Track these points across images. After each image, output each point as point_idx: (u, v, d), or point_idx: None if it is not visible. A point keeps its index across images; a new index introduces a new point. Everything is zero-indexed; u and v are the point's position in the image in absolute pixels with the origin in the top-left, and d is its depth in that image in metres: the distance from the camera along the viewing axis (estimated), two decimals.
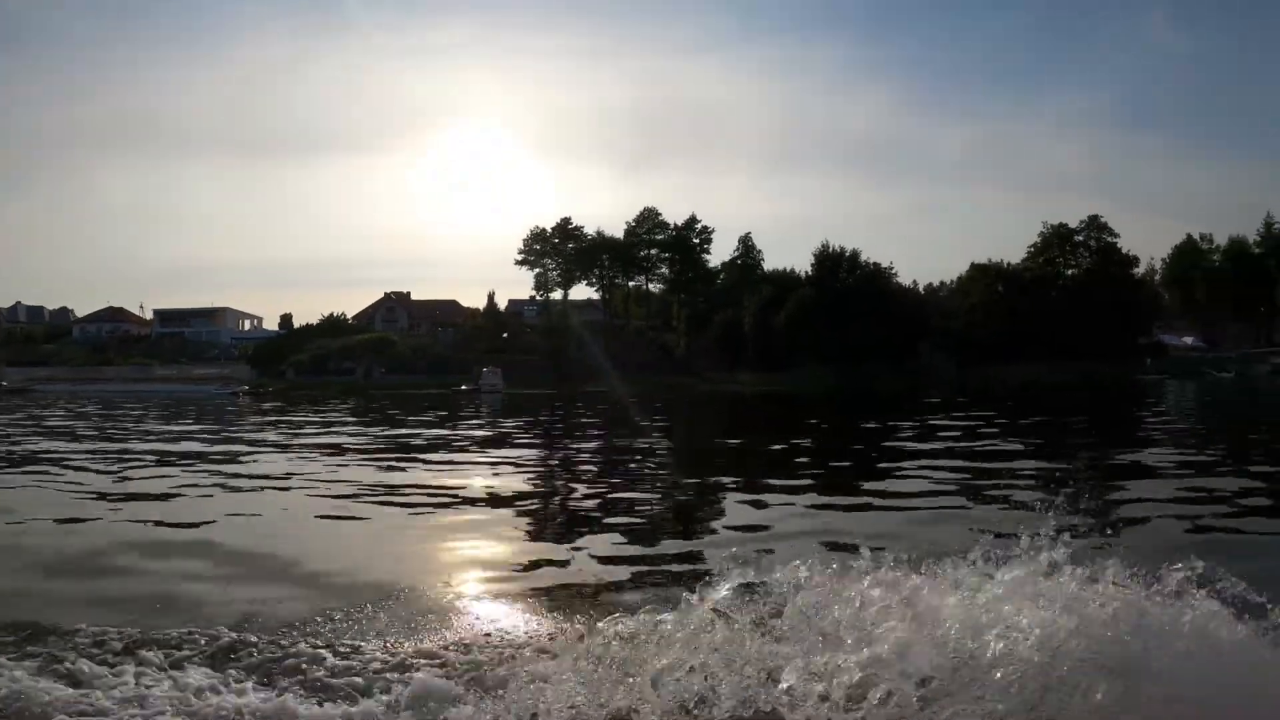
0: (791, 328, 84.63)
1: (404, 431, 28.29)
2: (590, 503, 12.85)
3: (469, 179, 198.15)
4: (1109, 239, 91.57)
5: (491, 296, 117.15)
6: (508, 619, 6.23)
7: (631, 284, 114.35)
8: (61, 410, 44.18)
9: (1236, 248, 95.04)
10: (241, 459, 19.46)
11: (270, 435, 27.11)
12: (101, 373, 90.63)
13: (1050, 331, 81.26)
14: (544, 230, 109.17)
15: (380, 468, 17.63)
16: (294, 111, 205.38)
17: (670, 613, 4.71)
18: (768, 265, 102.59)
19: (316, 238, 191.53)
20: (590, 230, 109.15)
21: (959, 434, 23.16)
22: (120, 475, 16.59)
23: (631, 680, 4.25)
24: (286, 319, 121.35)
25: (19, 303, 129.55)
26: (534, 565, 8.31)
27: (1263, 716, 3.41)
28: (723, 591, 4.64)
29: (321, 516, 11.61)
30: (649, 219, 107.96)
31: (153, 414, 39.74)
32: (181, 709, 4.66)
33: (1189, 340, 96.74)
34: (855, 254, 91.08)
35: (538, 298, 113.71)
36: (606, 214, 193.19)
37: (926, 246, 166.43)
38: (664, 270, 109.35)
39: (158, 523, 10.96)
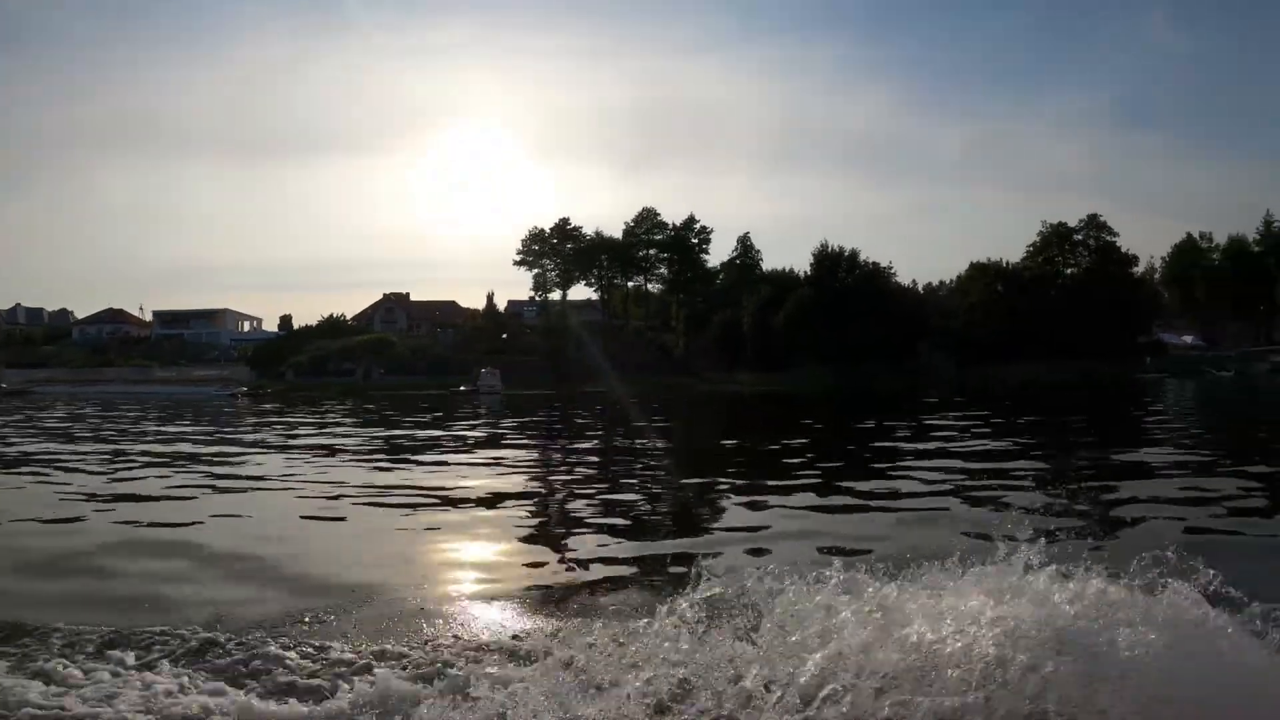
0: (790, 328, 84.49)
1: (397, 433, 28.29)
2: (576, 504, 12.82)
3: (469, 179, 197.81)
4: (1108, 238, 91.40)
5: (491, 297, 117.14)
6: (479, 621, 6.22)
7: (630, 284, 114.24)
8: (59, 412, 44.24)
9: (1236, 246, 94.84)
10: (233, 460, 19.46)
11: (264, 436, 27.10)
12: (101, 374, 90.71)
13: (1050, 330, 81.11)
14: (542, 231, 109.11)
15: (370, 469, 17.63)
16: (294, 112, 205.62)
17: (642, 621, 4.71)
18: (767, 265, 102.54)
19: (316, 239, 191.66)
20: (589, 231, 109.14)
21: (953, 434, 23.14)
22: (111, 476, 16.60)
23: (599, 689, 4.25)
24: (286, 320, 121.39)
25: (18, 304, 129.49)
26: (511, 567, 8.30)
27: (1225, 705, 3.38)
28: (693, 600, 4.62)
29: (305, 517, 11.61)
30: (647, 219, 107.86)
31: (150, 415, 39.76)
32: (148, 709, 4.67)
33: (1188, 339, 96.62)
34: (854, 254, 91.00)
35: (536, 298, 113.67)
36: (606, 214, 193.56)
37: (926, 246, 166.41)
38: (663, 270, 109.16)
39: (142, 524, 10.98)
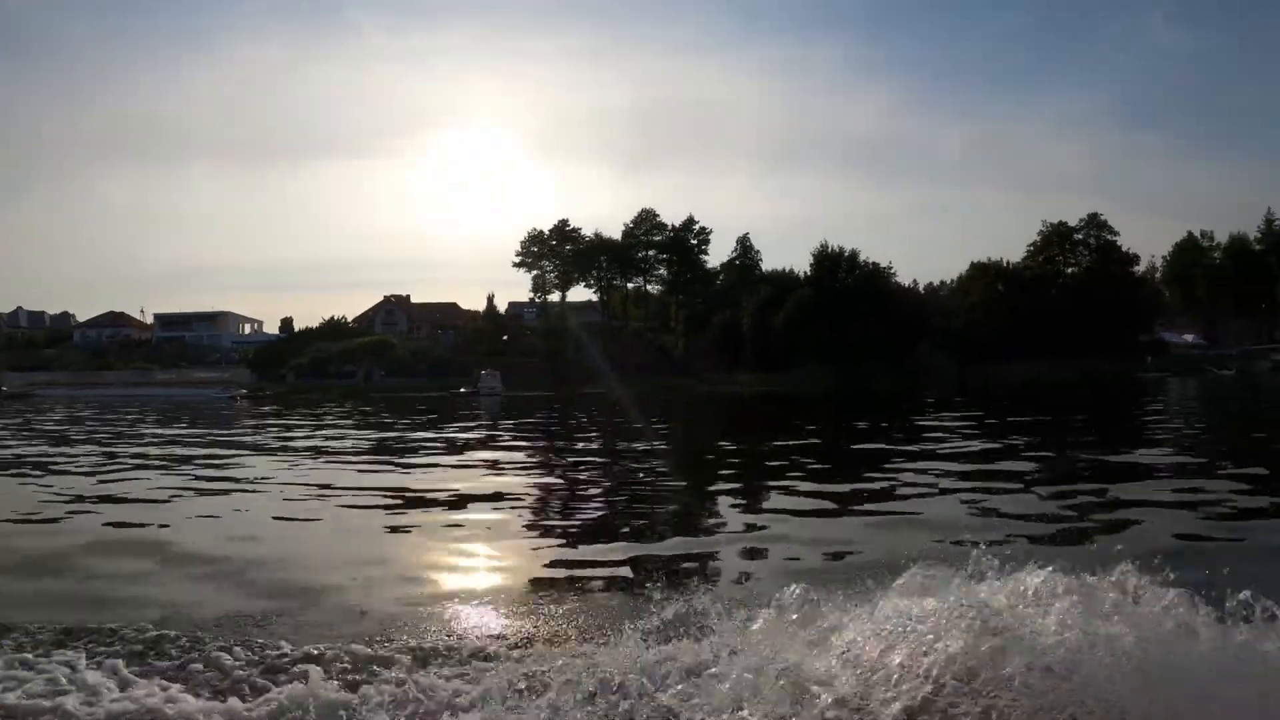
0: (790, 328, 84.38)
1: (391, 435, 28.26)
2: (557, 507, 12.75)
3: (469, 181, 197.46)
4: (1109, 237, 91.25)
5: (491, 299, 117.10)
6: (431, 624, 6.19)
7: (629, 285, 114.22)
8: (58, 415, 44.25)
9: (1237, 245, 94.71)
10: (222, 462, 19.46)
11: (257, 438, 27.11)
12: (102, 377, 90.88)
13: (1050, 330, 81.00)
14: (541, 232, 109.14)
15: (356, 470, 17.58)
16: (294, 114, 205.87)
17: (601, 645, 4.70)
18: (766, 266, 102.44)
19: (317, 240, 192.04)
20: (588, 232, 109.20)
21: (945, 435, 23.03)
22: (98, 478, 16.61)
23: (537, 709, 4.23)
24: (287, 322, 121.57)
25: (20, 307, 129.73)
26: (475, 571, 8.29)
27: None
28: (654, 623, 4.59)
29: (277, 518, 11.62)
30: (646, 220, 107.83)
31: (148, 418, 39.77)
32: (89, 704, 4.70)
33: (1190, 338, 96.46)
34: (854, 254, 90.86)
35: (536, 300, 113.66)
36: (607, 215, 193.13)
37: (926, 246, 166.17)
38: (662, 271, 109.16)
39: (118, 524, 11.03)
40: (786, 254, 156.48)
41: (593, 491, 14.41)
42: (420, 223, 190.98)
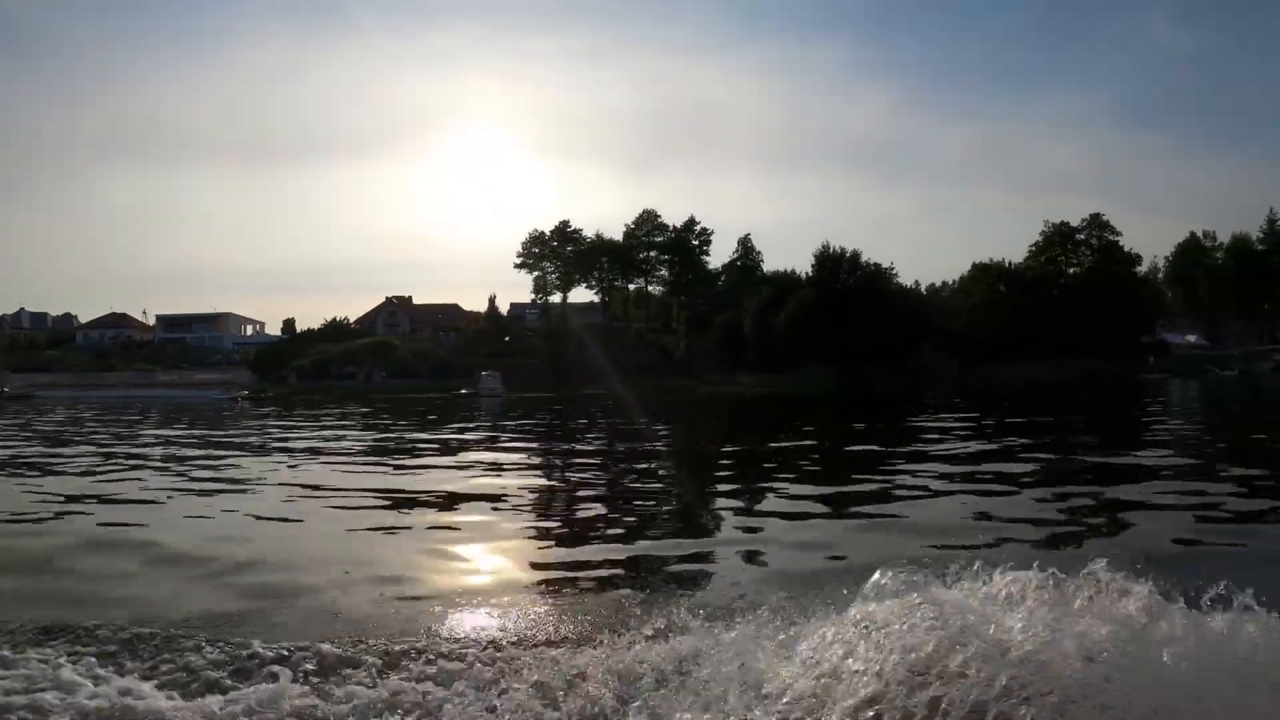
0: (792, 329, 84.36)
1: (388, 436, 28.25)
2: (546, 509, 12.65)
3: (471, 182, 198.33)
4: (1111, 237, 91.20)
5: (493, 300, 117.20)
6: (401, 626, 6.14)
7: (631, 287, 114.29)
8: (58, 416, 44.26)
9: (1240, 245, 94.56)
10: (217, 463, 19.45)
11: (254, 439, 27.09)
12: (103, 378, 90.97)
13: (1052, 330, 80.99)
14: (542, 233, 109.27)
15: (349, 471, 17.56)
16: (296, 115, 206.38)
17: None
18: (768, 266, 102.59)
19: (319, 242, 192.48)
20: (589, 233, 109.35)
21: (945, 436, 22.91)
22: (94, 479, 16.62)
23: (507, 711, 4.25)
24: (289, 324, 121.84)
25: (22, 309, 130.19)
26: (455, 572, 8.22)
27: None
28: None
29: (263, 518, 11.64)
30: (648, 221, 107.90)
31: (147, 419, 39.76)
32: (62, 701, 4.73)
33: (1192, 338, 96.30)
34: (856, 255, 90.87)
35: (537, 301, 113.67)
36: (608, 215, 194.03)
37: (928, 247, 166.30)
38: (663, 272, 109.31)
39: (108, 524, 11.04)
40: (788, 255, 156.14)
41: (584, 493, 14.34)
42: (422, 224, 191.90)
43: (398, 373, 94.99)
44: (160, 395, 73.03)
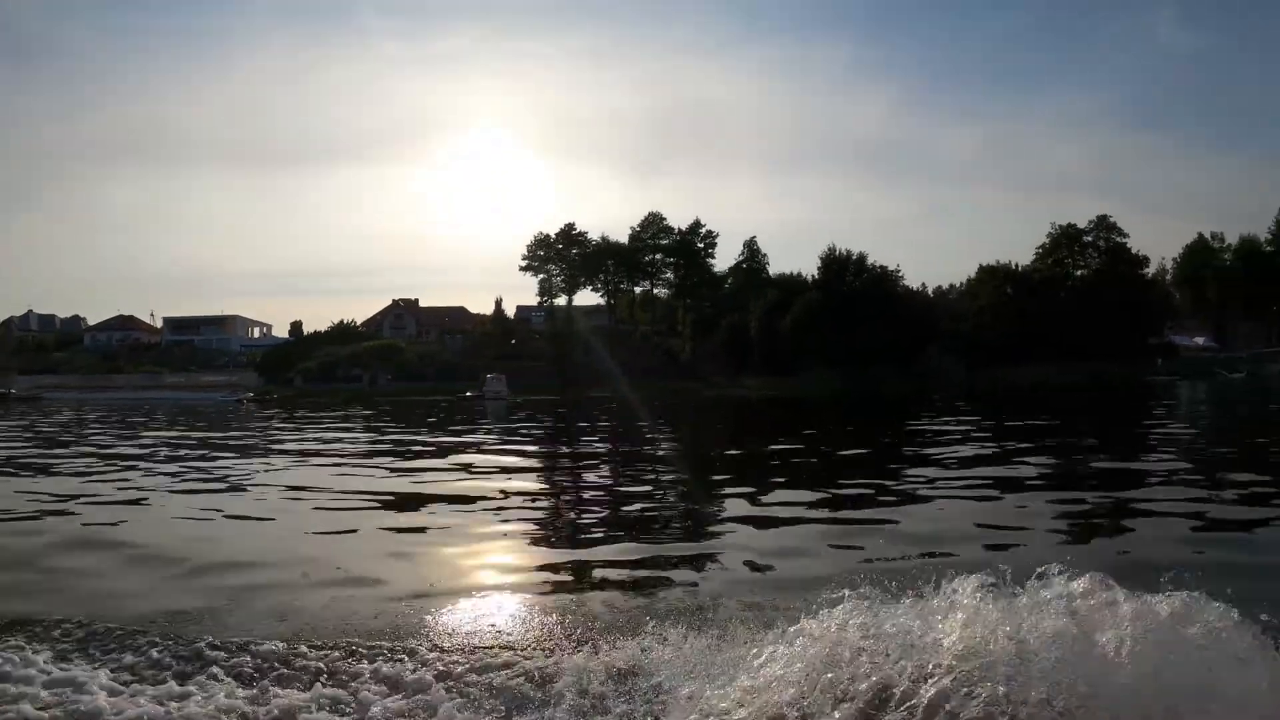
0: (798, 332, 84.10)
1: (387, 438, 28.29)
2: (531, 512, 12.49)
3: (476, 184, 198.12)
4: (1118, 239, 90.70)
5: (499, 303, 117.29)
6: (354, 626, 6.10)
7: (637, 289, 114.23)
8: (63, 417, 44.41)
9: (1248, 246, 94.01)
10: (212, 464, 19.54)
11: (253, 441, 27.19)
12: (111, 380, 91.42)
13: (1059, 332, 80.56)
14: (548, 236, 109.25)
15: (341, 473, 17.57)
16: (301, 118, 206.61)
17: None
18: (773, 269, 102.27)
19: (326, 245, 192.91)
20: (594, 236, 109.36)
21: (946, 439, 22.76)
22: (88, 479, 16.73)
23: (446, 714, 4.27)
24: (296, 326, 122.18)
25: (30, 311, 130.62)
26: (418, 573, 8.16)
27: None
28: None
29: (244, 518, 11.73)
30: (653, 223, 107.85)
31: (151, 421, 39.87)
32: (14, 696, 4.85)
33: (1200, 340, 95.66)
34: (862, 257, 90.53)
35: (543, 304, 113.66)
36: (614, 218, 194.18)
37: (934, 249, 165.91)
38: (669, 275, 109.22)
39: (92, 523, 11.21)
40: (794, 257, 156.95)
41: (572, 498, 14.28)
42: (428, 226, 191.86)
43: (404, 375, 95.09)
44: (166, 397, 73.32)
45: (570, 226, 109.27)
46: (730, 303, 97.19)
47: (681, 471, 17.76)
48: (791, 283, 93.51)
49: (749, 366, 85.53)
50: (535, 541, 10.11)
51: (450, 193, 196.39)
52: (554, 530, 10.98)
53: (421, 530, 10.77)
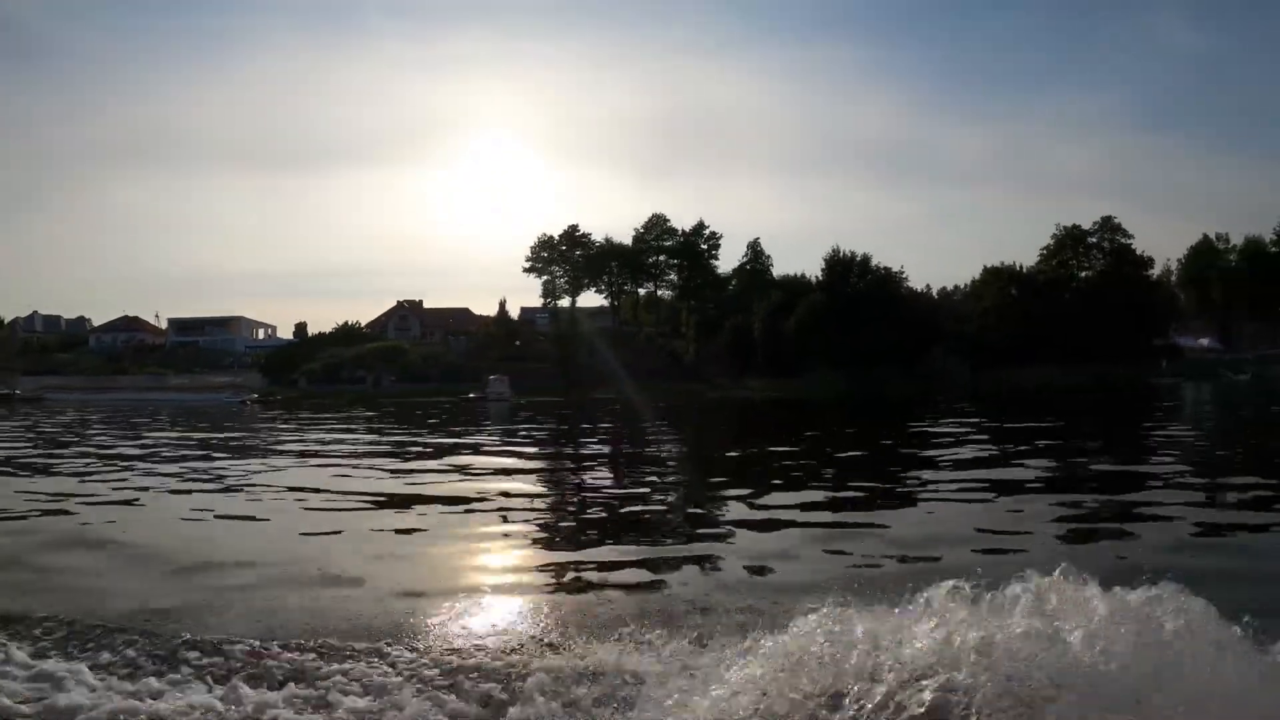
0: (802, 333, 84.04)
1: (387, 439, 28.31)
2: (525, 513, 12.43)
3: (481, 186, 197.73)
4: (1123, 240, 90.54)
5: (503, 304, 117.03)
6: (331, 626, 6.09)
7: (641, 291, 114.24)
8: (66, 418, 44.51)
9: (1253, 247, 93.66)
10: (208, 464, 19.57)
11: (252, 442, 27.20)
12: (115, 381, 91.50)
13: (1064, 334, 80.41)
14: (551, 238, 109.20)
15: (339, 473, 17.56)
16: (308, 121, 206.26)
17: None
18: (777, 271, 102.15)
19: (331, 246, 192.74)
20: (598, 237, 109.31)
21: (946, 441, 22.70)
22: (85, 479, 16.79)
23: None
24: (301, 327, 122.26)
25: (35, 312, 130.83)
26: (402, 574, 8.14)
27: None
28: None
29: (235, 518, 11.76)
30: (657, 225, 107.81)
31: (154, 422, 39.95)
32: None
33: (1205, 342, 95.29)
34: (866, 258, 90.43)
35: (547, 305, 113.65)
36: (618, 219, 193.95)
37: (937, 250, 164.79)
38: (673, 277, 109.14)
39: (86, 522, 11.31)
40: (798, 259, 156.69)
41: (567, 499, 14.27)
42: (433, 228, 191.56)
43: (408, 377, 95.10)
44: (171, 398, 73.40)
45: (574, 228, 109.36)
46: (734, 304, 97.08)
47: (681, 473, 17.73)
48: (795, 284, 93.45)
49: (753, 368, 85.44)
50: (524, 544, 10.07)
51: (454, 194, 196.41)
52: (544, 533, 10.94)
53: (410, 532, 10.73)
